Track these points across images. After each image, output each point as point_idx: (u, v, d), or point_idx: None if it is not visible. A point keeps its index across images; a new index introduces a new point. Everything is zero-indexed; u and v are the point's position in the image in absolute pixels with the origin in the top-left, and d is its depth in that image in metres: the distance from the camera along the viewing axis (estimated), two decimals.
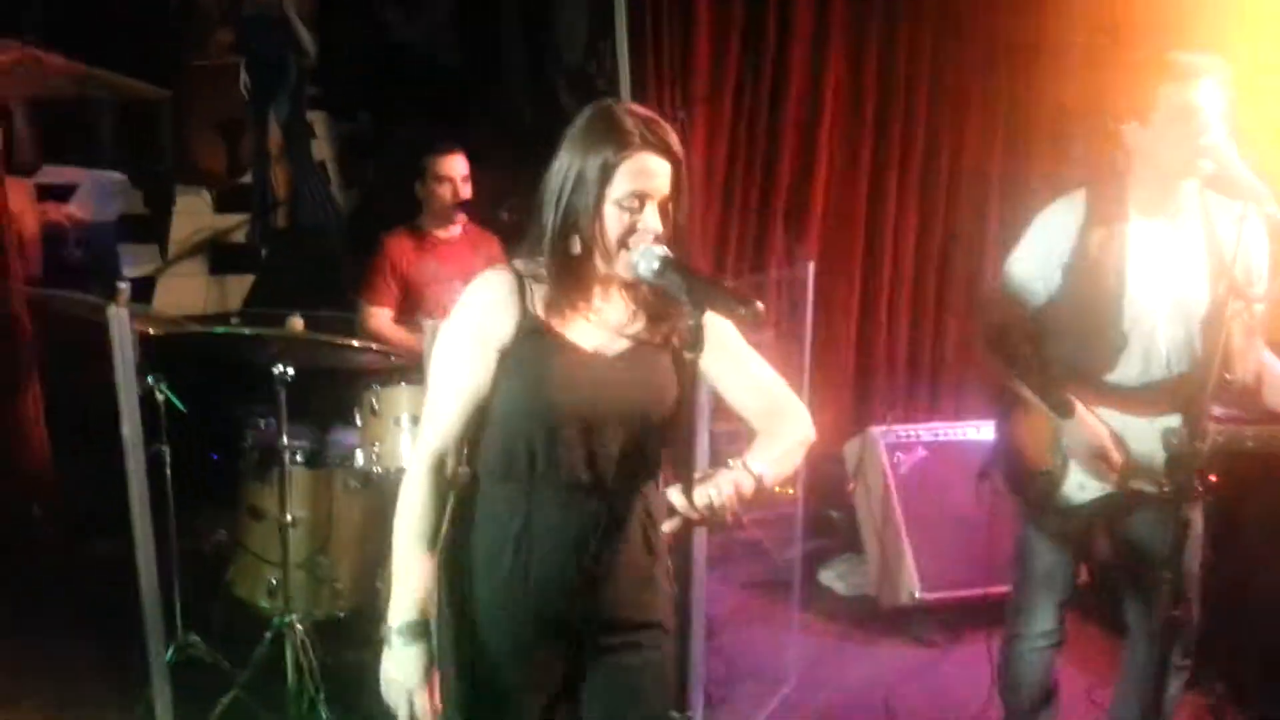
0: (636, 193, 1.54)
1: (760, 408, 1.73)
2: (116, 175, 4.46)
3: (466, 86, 4.96)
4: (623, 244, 1.55)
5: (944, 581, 3.57)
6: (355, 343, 2.76)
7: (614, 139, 1.55)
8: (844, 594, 3.90)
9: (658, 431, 1.65)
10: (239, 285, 4.90)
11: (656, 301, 1.62)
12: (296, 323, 2.63)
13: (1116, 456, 2.26)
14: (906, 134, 4.48)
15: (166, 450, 2.82)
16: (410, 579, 1.61)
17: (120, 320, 2.14)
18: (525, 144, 4.90)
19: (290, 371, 2.58)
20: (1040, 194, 4.48)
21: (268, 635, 2.75)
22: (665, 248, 1.50)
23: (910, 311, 4.65)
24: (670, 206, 1.59)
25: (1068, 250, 2.33)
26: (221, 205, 4.81)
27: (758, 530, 4.10)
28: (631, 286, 1.65)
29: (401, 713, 1.61)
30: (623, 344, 1.64)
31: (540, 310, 1.62)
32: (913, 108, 4.45)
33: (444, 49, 4.98)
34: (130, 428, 2.21)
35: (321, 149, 5.03)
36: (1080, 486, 2.35)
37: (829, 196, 4.43)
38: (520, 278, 1.63)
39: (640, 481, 1.67)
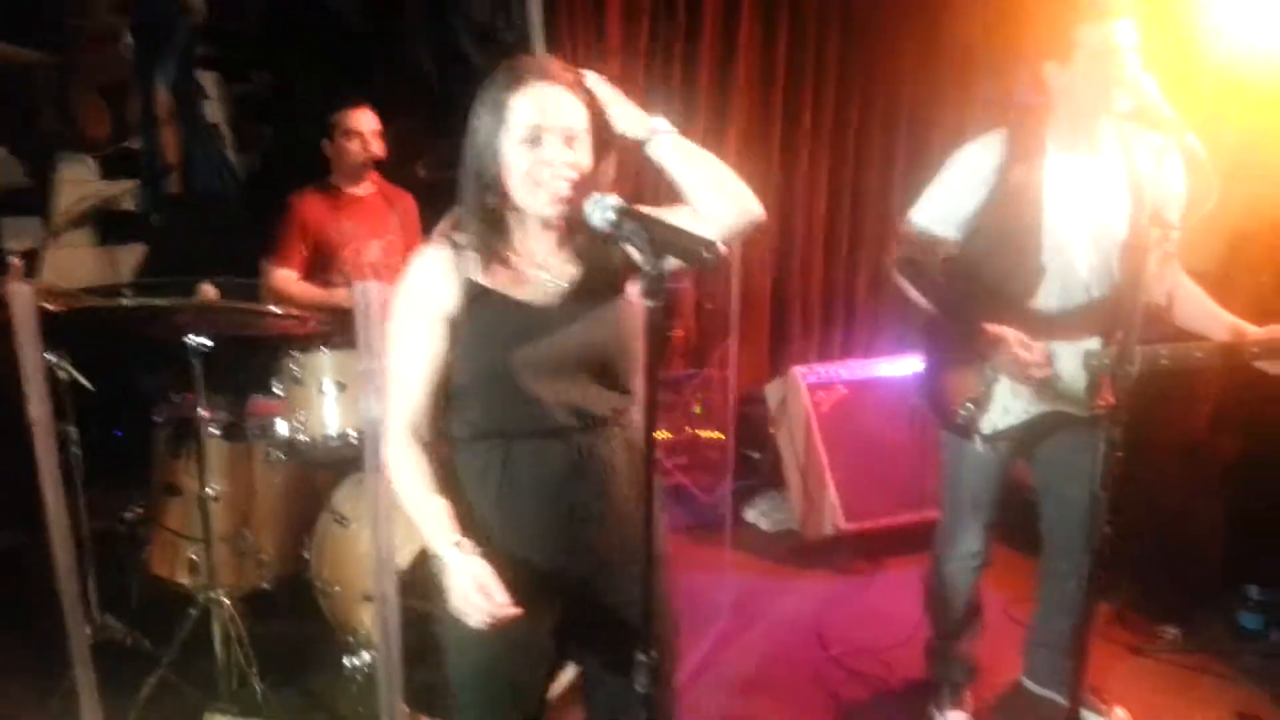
0: (533, 126, 1.54)
1: None
2: None
3: (367, 43, 4.79)
4: (534, 182, 1.56)
5: (865, 512, 3.69)
6: (276, 309, 2.66)
7: (508, 78, 1.57)
8: (768, 530, 4.00)
9: (618, 371, 1.67)
10: (130, 255, 4.66)
11: (595, 245, 1.63)
12: (209, 291, 2.53)
13: (1037, 354, 2.32)
14: (818, 79, 4.52)
15: (73, 430, 2.71)
16: (432, 514, 1.64)
17: (22, 296, 2.02)
18: (430, 101, 4.78)
19: (206, 342, 2.49)
20: (947, 136, 4.65)
21: (193, 612, 2.68)
22: (617, 196, 1.48)
23: (824, 255, 4.73)
24: (590, 144, 1.58)
25: (985, 188, 2.40)
26: (108, 172, 4.56)
27: (683, 476, 4.16)
28: (564, 232, 1.65)
29: (483, 613, 1.58)
30: (565, 291, 1.65)
31: (478, 274, 1.63)
32: (823, 53, 4.48)
33: (343, 3, 4.79)
34: (39, 408, 2.10)
35: (214, 111, 4.80)
36: (1005, 410, 2.44)
37: (742, 147, 4.45)
38: (455, 247, 1.65)
39: (613, 420, 1.69)
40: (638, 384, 1.69)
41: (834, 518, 3.66)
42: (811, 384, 3.81)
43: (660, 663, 1.59)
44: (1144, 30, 2.20)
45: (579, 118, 1.57)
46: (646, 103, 1.64)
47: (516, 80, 1.56)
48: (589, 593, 1.76)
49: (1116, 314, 2.35)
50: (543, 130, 1.55)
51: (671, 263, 1.44)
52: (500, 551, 1.64)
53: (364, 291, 2.18)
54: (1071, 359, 2.37)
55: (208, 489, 2.59)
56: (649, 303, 1.45)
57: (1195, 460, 3.25)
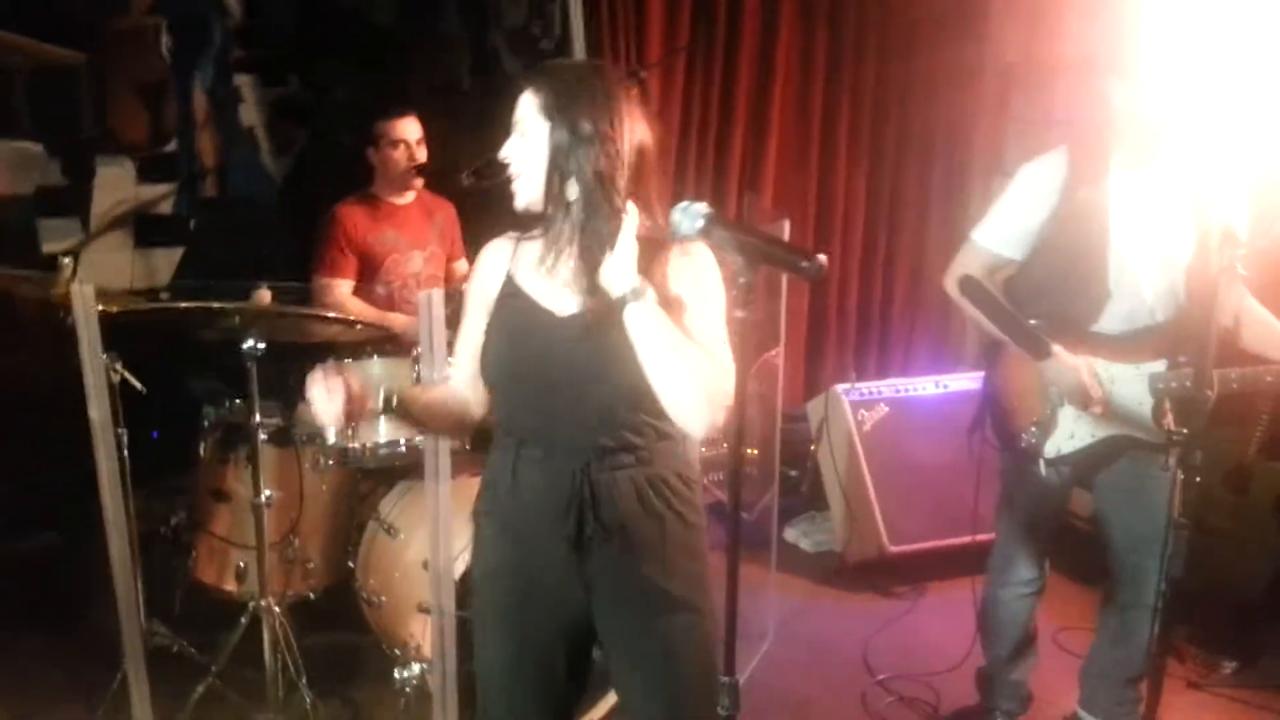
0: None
1: None
2: (32, 145, 4.18)
3: (402, 48, 4.78)
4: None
5: (910, 535, 3.64)
6: (332, 314, 2.63)
7: None
8: (809, 551, 3.95)
9: (636, 405, 1.59)
10: (166, 258, 4.65)
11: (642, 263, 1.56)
12: (264, 295, 2.51)
13: (1098, 393, 2.31)
14: (855, 94, 4.50)
15: (124, 433, 2.67)
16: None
17: (85, 297, 2.00)
18: (464, 107, 4.77)
19: (261, 346, 2.46)
20: (984, 154, 4.64)
21: (243, 620, 2.64)
22: (706, 204, 1.45)
23: (861, 273, 4.70)
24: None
25: (1049, 206, 2.37)
26: (145, 175, 4.55)
27: (720, 492, 4.12)
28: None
29: None
30: (596, 313, 1.57)
31: (520, 273, 1.66)
32: (860, 68, 4.47)
33: (378, 8, 4.78)
34: (99, 410, 2.08)
35: (250, 114, 4.79)
36: (1070, 435, 2.40)
37: (781, 162, 4.43)
38: (516, 241, 1.71)
39: (622, 451, 1.62)
40: (668, 424, 1.62)
41: (879, 540, 3.61)
42: (854, 402, 3.77)
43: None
44: (1211, 43, 2.17)
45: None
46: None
47: None
48: (592, 619, 1.71)
49: (1182, 337, 2.32)
50: None
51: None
52: (509, 545, 1.69)
53: (427, 300, 2.17)
54: (1137, 382, 2.34)
55: (261, 496, 2.54)
56: (739, 313, 1.42)
57: (1248, 487, 3.21)
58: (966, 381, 3.91)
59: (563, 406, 1.61)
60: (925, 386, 3.90)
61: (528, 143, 1.59)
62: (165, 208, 4.62)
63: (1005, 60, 4.53)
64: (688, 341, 1.55)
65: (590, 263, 1.55)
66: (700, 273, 1.62)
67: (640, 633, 1.68)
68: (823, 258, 1.34)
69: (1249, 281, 2.30)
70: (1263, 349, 2.35)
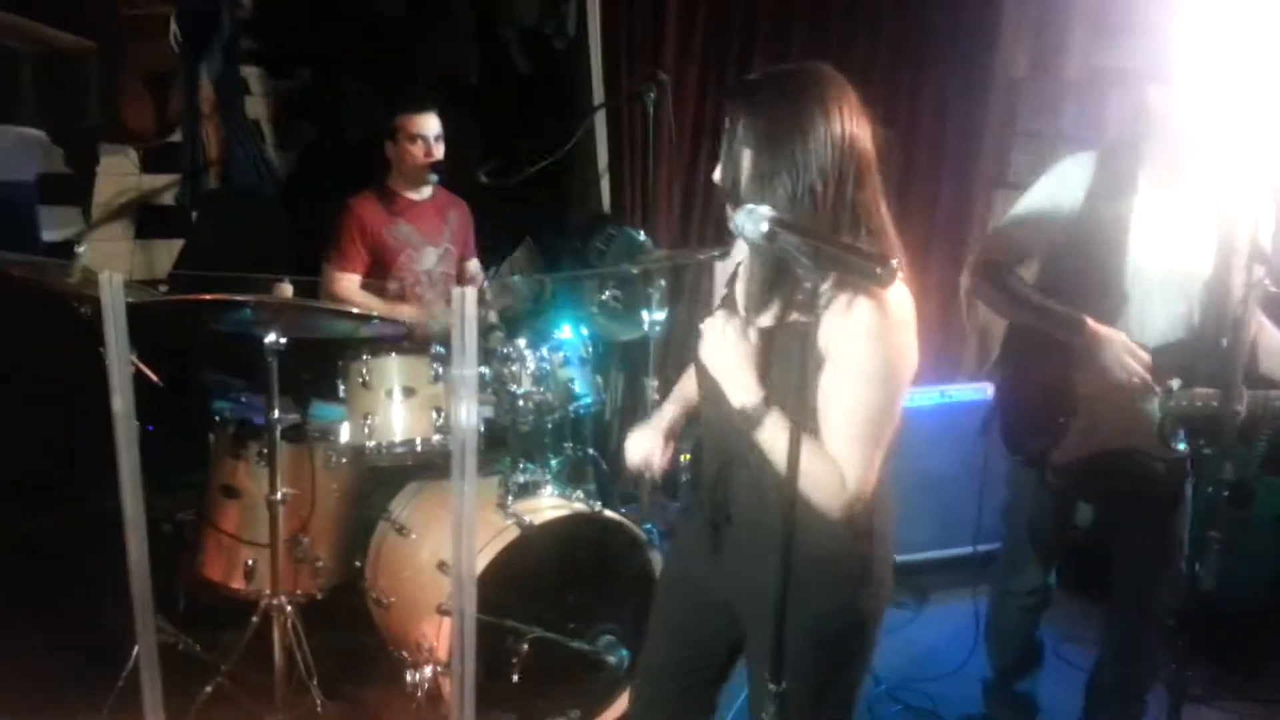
0: None
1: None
2: (35, 132, 4.13)
3: (412, 43, 4.76)
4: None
5: (910, 544, 3.65)
6: (354, 310, 2.62)
7: None
8: None
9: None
10: (166, 250, 4.61)
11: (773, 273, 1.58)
12: (285, 289, 2.48)
13: (1143, 355, 2.28)
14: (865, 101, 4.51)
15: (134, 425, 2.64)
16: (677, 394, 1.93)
17: (114, 286, 1.97)
18: (473, 104, 4.75)
19: (284, 341, 2.44)
20: (988, 169, 4.66)
21: (254, 618, 2.62)
22: (770, 207, 1.45)
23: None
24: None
25: (1073, 207, 2.36)
26: (149, 165, 4.50)
27: None
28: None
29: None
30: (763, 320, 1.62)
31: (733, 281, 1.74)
32: (870, 85, 4.45)
33: (388, 3, 4.76)
34: (123, 403, 2.05)
35: (256, 107, 4.75)
36: (1079, 445, 2.41)
37: None
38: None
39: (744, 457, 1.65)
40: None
41: None
42: None
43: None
44: (1246, 55, 2.18)
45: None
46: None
47: None
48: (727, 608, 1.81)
49: (1197, 356, 2.33)
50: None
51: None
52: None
53: (460, 298, 2.15)
54: (1148, 400, 2.35)
55: (278, 493, 2.52)
56: (804, 319, 1.41)
57: (1250, 502, 3.23)
58: (968, 391, 3.92)
59: (713, 411, 1.72)
60: (928, 396, 3.92)
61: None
62: (168, 198, 4.58)
63: (1012, 74, 4.56)
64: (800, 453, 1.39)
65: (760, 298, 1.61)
66: (853, 337, 1.46)
67: None
68: (896, 262, 1.32)
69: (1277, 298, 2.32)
70: (1277, 374, 2.35)
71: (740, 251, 1.77)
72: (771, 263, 1.55)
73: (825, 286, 1.45)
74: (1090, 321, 2.30)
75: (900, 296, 1.48)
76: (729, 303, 1.72)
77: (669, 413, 1.92)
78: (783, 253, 1.41)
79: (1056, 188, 2.41)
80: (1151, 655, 2.58)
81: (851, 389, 1.48)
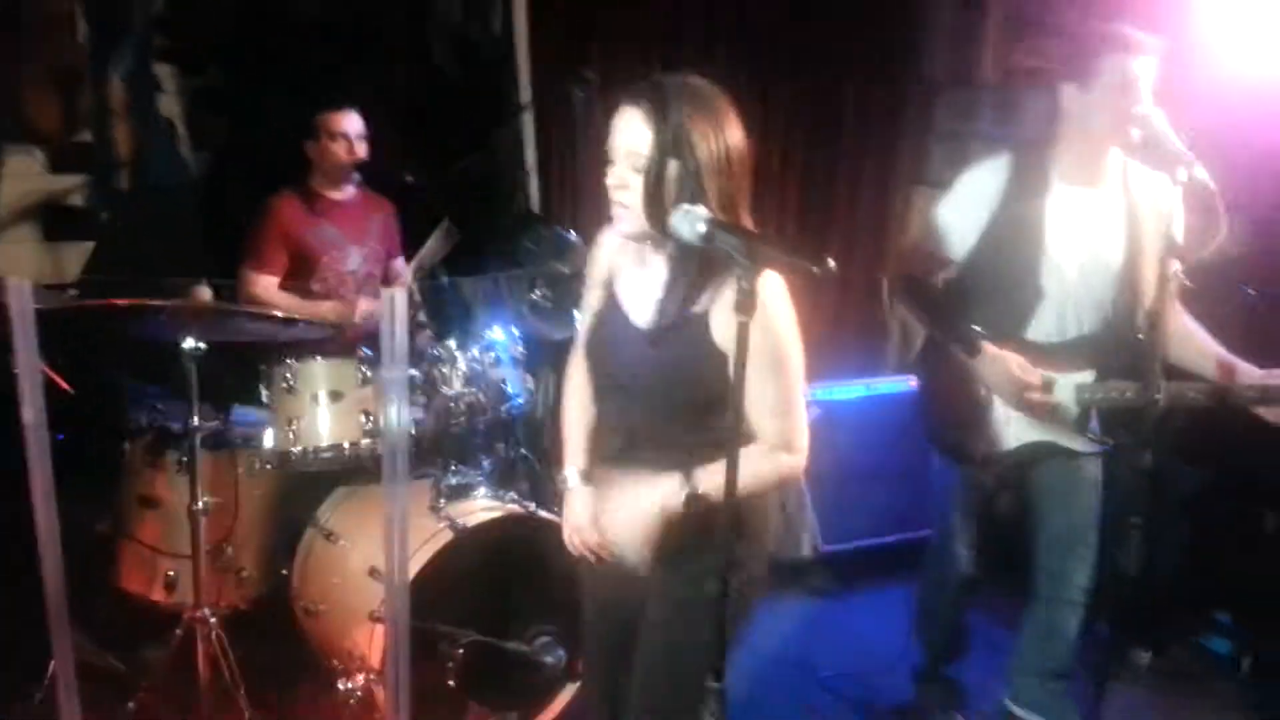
0: (609, 146, 1.62)
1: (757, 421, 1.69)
2: None
3: (331, 40, 4.67)
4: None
5: (843, 534, 3.72)
6: (279, 313, 2.56)
7: None
8: None
9: (692, 407, 1.67)
10: (76, 252, 4.44)
11: (697, 269, 1.62)
12: (204, 293, 2.42)
13: (1034, 378, 2.37)
14: (789, 117, 4.56)
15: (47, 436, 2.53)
16: (570, 435, 1.92)
17: (22, 293, 1.89)
18: (396, 104, 4.68)
19: (203, 346, 2.37)
20: (907, 169, 4.76)
21: (178, 631, 2.54)
22: (704, 208, 1.46)
23: (791, 282, 4.77)
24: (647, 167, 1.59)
25: (988, 211, 2.44)
26: (56, 165, 4.34)
27: None
28: (669, 252, 1.66)
29: (577, 545, 1.86)
30: (659, 314, 1.67)
31: (616, 262, 1.78)
32: (795, 88, 4.53)
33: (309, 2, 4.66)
34: (33, 411, 1.97)
35: (169, 105, 4.61)
36: (1000, 438, 2.48)
37: None
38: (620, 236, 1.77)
39: (674, 455, 1.67)
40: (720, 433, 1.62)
41: (814, 538, 3.67)
42: None
43: None
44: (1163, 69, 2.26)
45: (636, 143, 1.59)
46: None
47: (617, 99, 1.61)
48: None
49: (1111, 348, 2.42)
50: (613, 153, 1.62)
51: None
52: None
53: (390, 299, 2.12)
54: (1065, 391, 2.43)
55: (199, 502, 2.45)
56: (741, 318, 1.43)
57: (1159, 485, 3.36)
58: (893, 384, 4.01)
59: (627, 415, 1.76)
60: (854, 389, 3.99)
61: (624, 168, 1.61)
62: (77, 199, 4.41)
63: (929, 77, 4.67)
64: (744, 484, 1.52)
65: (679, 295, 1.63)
66: (769, 320, 1.62)
67: None
68: (831, 261, 1.36)
69: (1187, 290, 2.42)
70: (1190, 363, 2.44)
71: (607, 253, 1.82)
72: (692, 262, 1.61)
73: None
74: (986, 347, 2.39)
75: (775, 278, 1.64)
76: (610, 306, 1.77)
77: (585, 495, 1.87)
78: (718, 252, 1.43)
79: (971, 193, 2.48)
80: (1069, 637, 2.67)
81: (776, 369, 1.65)
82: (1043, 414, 2.41)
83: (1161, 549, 3.33)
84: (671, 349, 1.64)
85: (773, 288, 1.63)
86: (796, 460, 1.73)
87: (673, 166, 1.57)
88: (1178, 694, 3.14)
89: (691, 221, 1.44)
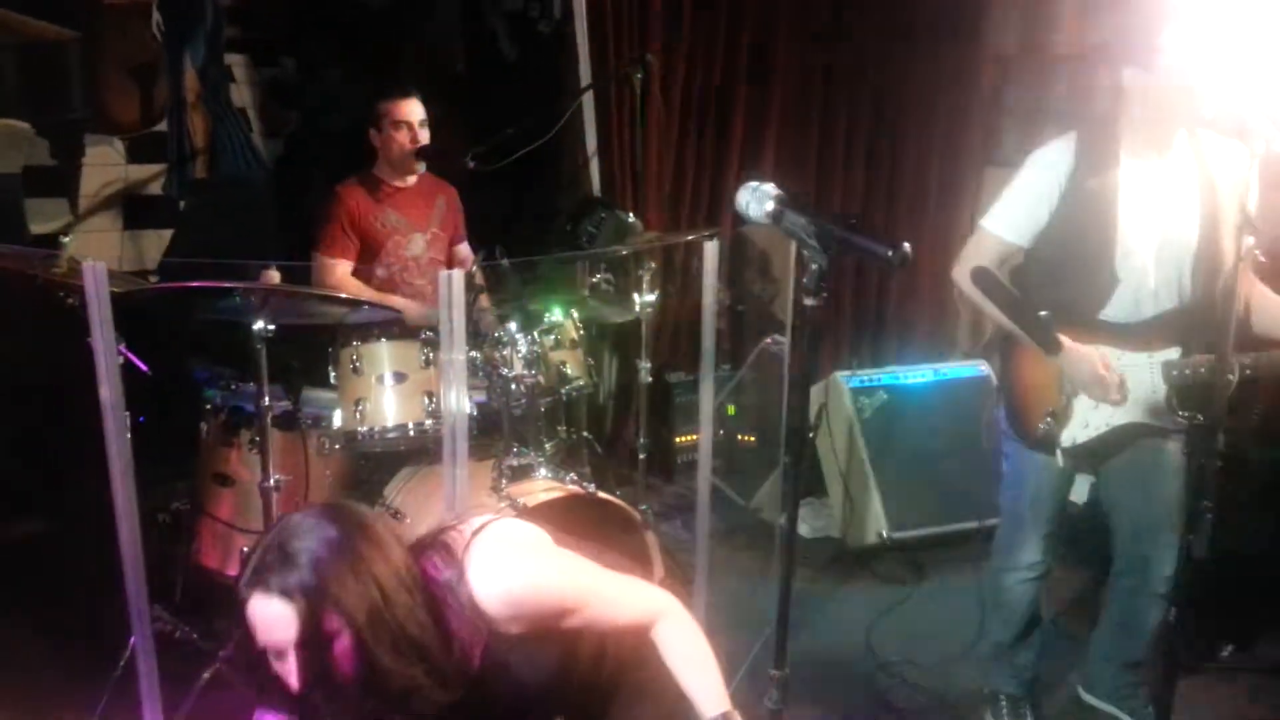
0: None
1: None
2: (20, 124, 4.10)
3: (397, 30, 4.73)
4: None
5: (910, 521, 3.66)
6: (343, 295, 2.60)
7: None
8: (808, 537, 3.96)
9: None
10: (156, 240, 4.59)
11: None
12: (273, 275, 2.47)
13: (1114, 376, 2.32)
14: (852, 93, 4.49)
15: (126, 416, 2.62)
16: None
17: (98, 275, 1.96)
18: (460, 89, 4.72)
19: (272, 328, 2.42)
20: (978, 147, 4.66)
21: None
22: (774, 185, 1.41)
23: (857, 263, 4.71)
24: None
25: (1058, 193, 2.38)
26: (135, 155, 4.47)
27: (720, 480, 4.13)
28: None
29: None
30: None
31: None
32: (859, 64, 4.46)
33: None
34: (111, 391, 2.04)
35: (241, 95, 4.71)
36: (1085, 424, 2.42)
37: (780, 154, 4.42)
38: None
39: None
40: None
41: (879, 525, 3.63)
42: (854, 388, 3.78)
43: None
44: (1223, 32, 2.17)
45: None
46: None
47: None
48: None
49: (1191, 325, 2.34)
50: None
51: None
52: None
53: (447, 281, 2.14)
54: (1149, 370, 2.36)
55: (271, 479, 2.51)
56: (810, 301, 1.39)
57: (1246, 471, 3.24)
58: (961, 368, 3.93)
59: None
60: (922, 374, 3.92)
61: None
62: (155, 188, 4.55)
63: (1000, 52, 4.55)
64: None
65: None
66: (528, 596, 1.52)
67: None
68: (907, 246, 1.28)
69: (1264, 267, 2.32)
70: (1274, 332, 2.37)
71: None
72: None
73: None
74: (1067, 344, 2.32)
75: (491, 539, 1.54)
76: None
77: None
78: (788, 233, 1.38)
79: (1039, 175, 2.41)
80: (1149, 626, 2.60)
81: (585, 610, 1.60)
82: (1128, 400, 2.34)
83: (1248, 537, 3.23)
84: None
85: (488, 553, 1.48)
86: (669, 610, 1.65)
87: None
88: (1261, 688, 3.03)
89: (760, 199, 1.39)
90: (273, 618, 1.27)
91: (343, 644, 1.28)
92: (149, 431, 3.61)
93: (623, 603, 1.60)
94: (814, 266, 1.33)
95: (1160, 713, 2.23)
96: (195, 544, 2.90)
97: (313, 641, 1.27)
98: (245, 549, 2.76)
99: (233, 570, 2.83)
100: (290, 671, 1.29)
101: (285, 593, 1.27)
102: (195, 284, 2.31)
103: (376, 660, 1.29)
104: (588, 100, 3.97)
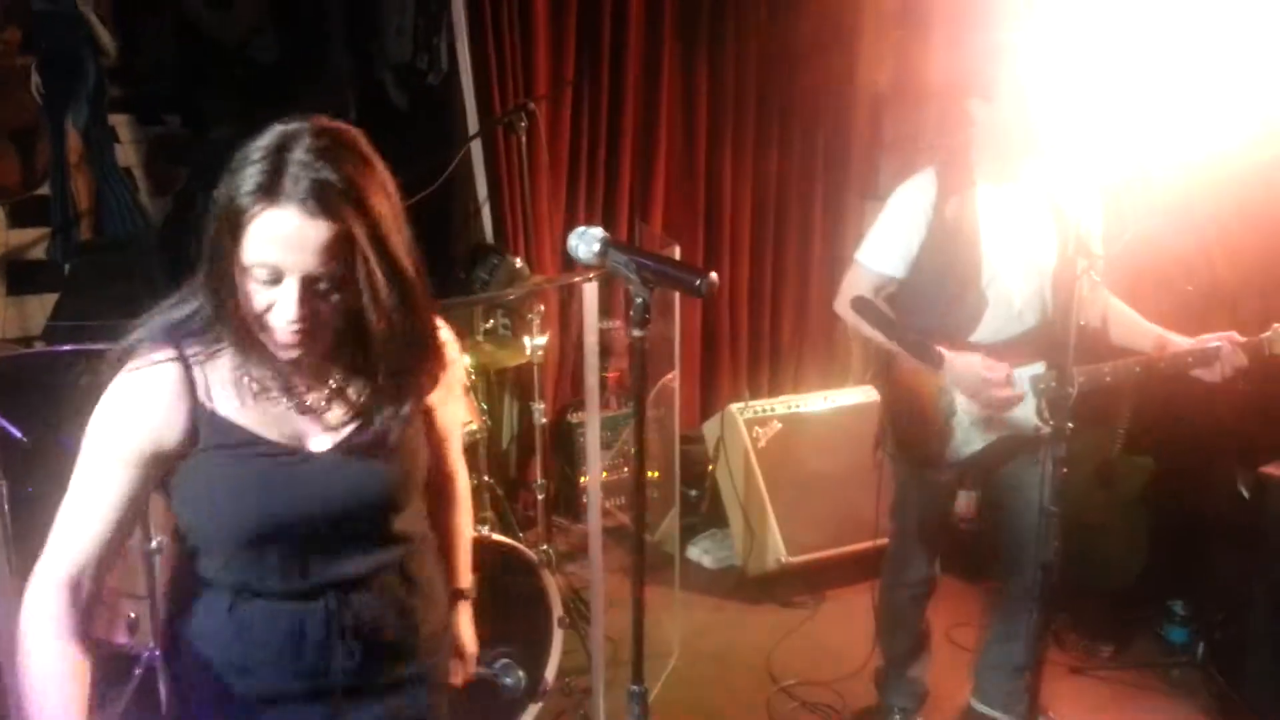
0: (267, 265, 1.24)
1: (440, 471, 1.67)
2: None
3: (285, 84, 4.74)
4: (261, 326, 1.29)
5: (807, 545, 3.75)
6: None
7: (256, 177, 1.27)
8: (711, 567, 4.03)
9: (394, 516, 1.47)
10: (40, 305, 4.48)
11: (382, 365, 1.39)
12: None
13: (1001, 373, 2.42)
14: (738, 129, 4.63)
15: (3, 485, 2.56)
16: None
17: None
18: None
19: None
20: (860, 178, 4.85)
21: (136, 671, 2.56)
22: (600, 228, 1.50)
23: (750, 294, 4.84)
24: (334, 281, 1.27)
25: (925, 223, 2.51)
26: (16, 220, 4.38)
27: (623, 515, 4.17)
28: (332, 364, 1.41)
29: None
30: (335, 435, 1.40)
31: (216, 400, 1.35)
32: (742, 100, 4.61)
33: (259, 45, 4.73)
34: None
35: (127, 154, 4.66)
36: (966, 441, 2.53)
37: (669, 190, 4.54)
38: (185, 363, 1.36)
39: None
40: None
41: (777, 551, 3.71)
42: (748, 420, 3.88)
43: None
44: (1065, 61, 2.34)
45: (325, 258, 1.25)
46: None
47: (265, 190, 1.25)
48: None
49: (1055, 338, 2.48)
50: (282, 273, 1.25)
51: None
52: None
53: None
54: (1019, 385, 2.48)
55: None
56: (636, 333, 1.47)
57: (1114, 480, 3.42)
58: (854, 395, 4.06)
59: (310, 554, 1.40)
60: (815, 401, 4.04)
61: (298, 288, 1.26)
62: (38, 253, 4.45)
63: (876, 87, 4.76)
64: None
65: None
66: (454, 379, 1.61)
67: None
68: (713, 275, 1.37)
69: (1108, 284, 2.48)
70: (1129, 343, 2.54)
71: None
72: None
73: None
74: (948, 356, 2.43)
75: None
76: None
77: None
78: (613, 271, 1.46)
79: (903, 209, 2.55)
80: (1031, 631, 2.70)
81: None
82: (1009, 408, 2.46)
83: (1121, 544, 3.39)
84: None
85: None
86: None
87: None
88: (1140, 685, 3.18)
89: (589, 241, 1.47)
90: (310, 229, 1.23)
91: (363, 266, 1.30)
92: (31, 501, 3.52)
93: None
94: (638, 300, 1.41)
95: (1029, 713, 2.32)
96: None
97: (339, 256, 1.26)
98: (132, 615, 2.73)
99: (120, 638, 2.76)
100: (288, 301, 1.26)
101: (325, 202, 1.25)
102: (67, 347, 2.28)
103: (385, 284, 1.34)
104: (476, 149, 4.03)
